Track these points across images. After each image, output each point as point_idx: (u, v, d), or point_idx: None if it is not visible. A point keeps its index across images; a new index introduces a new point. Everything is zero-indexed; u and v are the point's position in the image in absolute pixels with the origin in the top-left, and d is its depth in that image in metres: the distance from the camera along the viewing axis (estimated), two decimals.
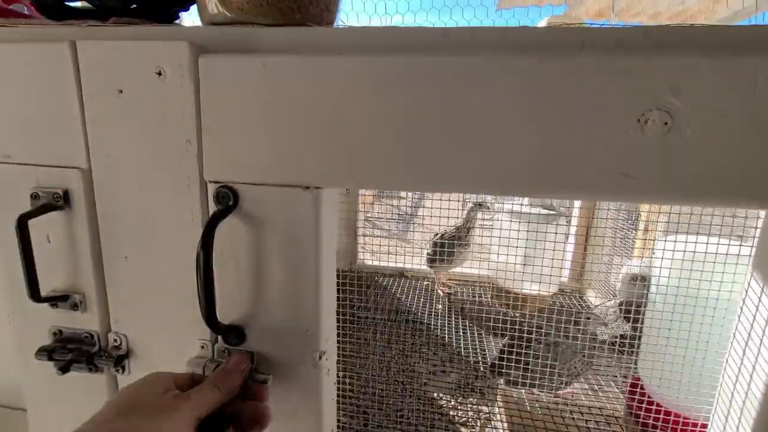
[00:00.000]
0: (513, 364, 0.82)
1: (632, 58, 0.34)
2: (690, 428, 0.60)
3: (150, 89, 0.41)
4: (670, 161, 0.35)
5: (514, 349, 0.83)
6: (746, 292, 0.41)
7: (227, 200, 0.41)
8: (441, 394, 1.12)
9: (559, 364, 0.82)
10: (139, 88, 0.41)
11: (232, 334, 0.45)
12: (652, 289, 0.69)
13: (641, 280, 1.03)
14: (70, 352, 0.47)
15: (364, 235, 1.72)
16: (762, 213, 0.40)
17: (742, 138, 0.34)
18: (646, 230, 1.15)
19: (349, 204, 1.40)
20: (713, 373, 0.45)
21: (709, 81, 0.33)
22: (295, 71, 0.38)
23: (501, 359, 0.86)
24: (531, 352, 0.81)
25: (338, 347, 0.52)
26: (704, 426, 0.56)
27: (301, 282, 0.43)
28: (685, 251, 0.59)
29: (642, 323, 0.71)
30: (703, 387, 0.55)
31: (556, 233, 1.15)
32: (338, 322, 0.51)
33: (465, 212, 1.28)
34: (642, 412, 0.69)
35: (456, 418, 1.06)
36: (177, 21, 0.53)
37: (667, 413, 0.63)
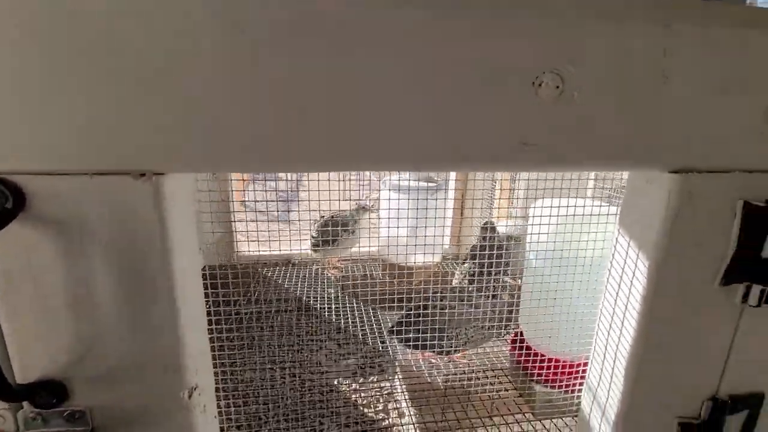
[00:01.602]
0: (411, 327, 0.83)
1: (526, 19, 0.31)
2: (568, 370, 0.68)
3: None
4: (563, 127, 0.34)
5: (411, 318, 0.85)
6: (614, 247, 0.45)
7: (2, 201, 0.27)
8: (341, 380, 1.08)
9: (449, 329, 0.85)
10: None
11: (44, 393, 0.31)
12: (529, 248, 0.75)
13: (514, 240, 1.14)
14: None
15: (237, 221, 1.55)
16: (625, 175, 0.43)
17: (623, 104, 0.35)
18: (509, 193, 1.27)
19: (219, 187, 1.22)
20: (588, 322, 0.49)
21: (599, 46, 0.33)
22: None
23: (399, 324, 0.88)
24: (423, 319, 0.83)
25: (220, 357, 0.41)
26: (579, 365, 0.63)
27: (147, 304, 0.31)
28: (555, 214, 0.64)
29: (522, 281, 0.77)
30: (579, 333, 0.61)
31: (436, 206, 1.19)
32: (218, 327, 0.40)
33: (352, 208, 1.24)
34: (527, 362, 0.75)
35: (359, 400, 1.04)
36: None
37: (547, 359, 0.70)
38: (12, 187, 0.27)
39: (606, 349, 0.47)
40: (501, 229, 1.25)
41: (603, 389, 0.47)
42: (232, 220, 1.38)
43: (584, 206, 0.64)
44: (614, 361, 0.45)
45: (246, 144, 0.30)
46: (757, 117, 0.37)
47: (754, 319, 0.44)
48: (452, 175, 1.40)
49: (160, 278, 0.30)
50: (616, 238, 0.44)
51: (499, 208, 1.44)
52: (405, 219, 1.18)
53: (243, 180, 1.74)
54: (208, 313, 0.89)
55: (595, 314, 0.50)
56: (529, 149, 0.34)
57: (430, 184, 1.22)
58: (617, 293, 0.44)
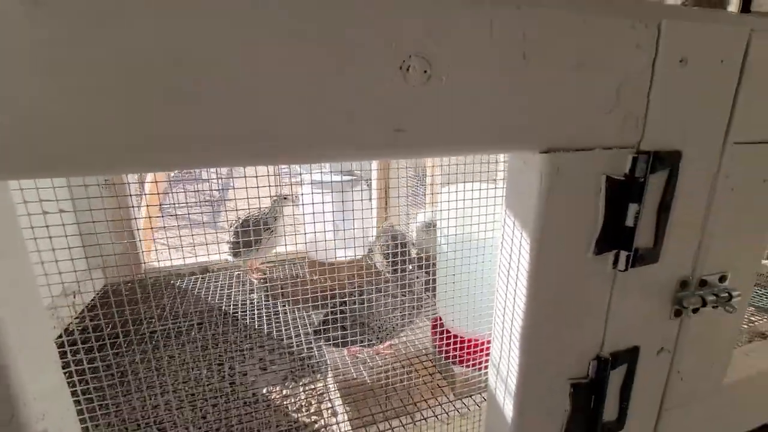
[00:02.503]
0: (334, 325, 0.81)
1: (388, 2, 0.30)
2: (480, 348, 0.71)
3: None
4: (434, 111, 0.34)
5: (336, 315, 0.83)
6: (503, 227, 0.47)
7: None
8: (271, 388, 1.04)
9: (371, 322, 0.85)
10: None
11: None
12: (439, 234, 0.77)
13: (433, 227, 1.16)
14: None
15: (154, 232, 1.40)
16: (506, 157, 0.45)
17: (491, 87, 0.35)
18: (432, 183, 1.30)
19: (115, 195, 1.09)
20: (491, 301, 0.50)
21: (463, 29, 0.33)
22: None
23: (324, 323, 0.85)
24: (347, 315, 0.82)
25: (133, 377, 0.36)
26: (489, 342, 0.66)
27: None
28: (459, 199, 0.66)
29: (436, 267, 0.79)
30: (485, 313, 0.64)
31: (360, 199, 1.18)
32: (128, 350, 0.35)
33: (271, 202, 1.18)
34: (446, 346, 0.77)
35: (290, 406, 1.00)
36: None
37: (462, 341, 0.72)
38: None
39: (503, 324, 0.49)
40: (420, 217, 1.28)
41: (504, 362, 0.49)
42: (137, 234, 1.25)
43: (488, 189, 0.67)
44: (510, 335, 0.47)
45: (81, 136, 0.25)
46: (610, 96, 0.40)
47: (625, 282, 0.48)
48: (374, 165, 1.39)
49: None
50: (504, 219, 0.46)
51: (425, 194, 1.48)
52: (327, 214, 1.15)
53: (156, 182, 1.58)
54: (114, 336, 0.79)
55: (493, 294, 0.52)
56: (404, 136, 0.33)
57: (349, 178, 1.21)
58: (508, 270, 0.46)
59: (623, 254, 0.46)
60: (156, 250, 1.54)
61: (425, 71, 0.32)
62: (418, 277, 0.81)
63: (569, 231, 0.43)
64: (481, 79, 0.34)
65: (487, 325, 0.69)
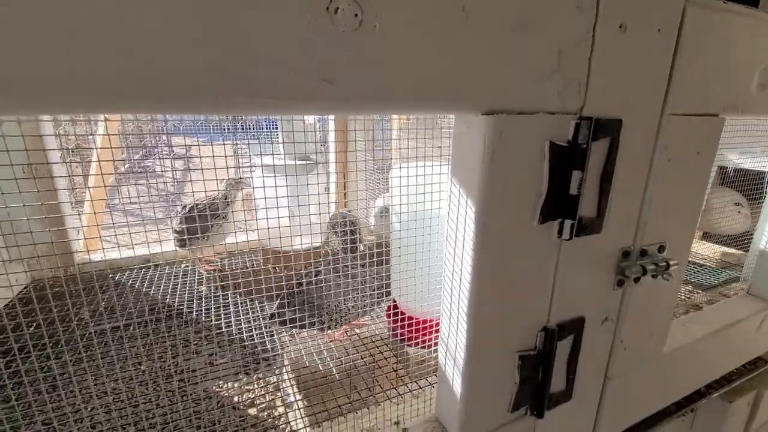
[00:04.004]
0: (291, 309, 0.78)
1: None
2: (433, 328, 0.70)
3: None
4: (366, 62, 0.31)
5: (290, 299, 0.79)
6: (449, 198, 0.45)
7: None
8: (222, 384, 0.98)
9: (326, 303, 0.83)
10: None
11: None
12: (393, 218, 0.75)
13: (387, 212, 1.15)
14: None
15: (79, 225, 1.29)
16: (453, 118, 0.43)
17: (428, 40, 0.33)
18: (389, 168, 1.28)
19: (41, 186, 0.98)
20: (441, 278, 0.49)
21: None
22: None
23: (280, 307, 0.82)
24: (304, 297, 0.78)
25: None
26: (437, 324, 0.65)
27: None
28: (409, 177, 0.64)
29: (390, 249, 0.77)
30: (437, 291, 0.62)
31: (316, 183, 1.14)
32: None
33: (223, 187, 1.11)
34: (401, 329, 0.76)
35: (242, 401, 0.96)
36: None
37: (417, 322, 0.71)
38: None
39: (451, 297, 0.47)
40: (379, 203, 1.26)
41: (452, 339, 0.48)
42: (67, 226, 1.14)
43: (438, 166, 0.65)
44: (458, 308, 0.46)
45: None
46: (552, 59, 0.40)
47: (569, 252, 0.48)
48: (330, 147, 1.35)
49: None
50: (450, 188, 0.45)
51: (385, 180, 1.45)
52: (281, 200, 1.11)
53: (102, 174, 1.46)
54: (38, 338, 0.71)
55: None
56: (332, 87, 0.30)
57: (305, 162, 1.16)
58: (455, 241, 0.45)
59: (567, 223, 0.46)
60: (102, 247, 1.43)
61: (356, 15, 0.30)
62: (371, 264, 0.79)
63: (513, 198, 0.42)
64: (418, 30, 0.32)
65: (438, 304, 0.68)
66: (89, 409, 0.79)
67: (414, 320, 0.72)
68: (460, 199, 0.43)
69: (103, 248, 1.40)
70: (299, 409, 0.82)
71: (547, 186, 0.43)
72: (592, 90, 0.43)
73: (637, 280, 0.55)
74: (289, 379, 0.98)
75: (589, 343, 0.55)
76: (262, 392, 0.99)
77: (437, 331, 0.71)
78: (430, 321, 0.72)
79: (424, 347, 0.73)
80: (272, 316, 0.83)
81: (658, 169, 0.52)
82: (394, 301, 0.83)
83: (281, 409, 0.94)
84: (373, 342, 0.82)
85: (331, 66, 0.30)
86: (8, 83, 0.22)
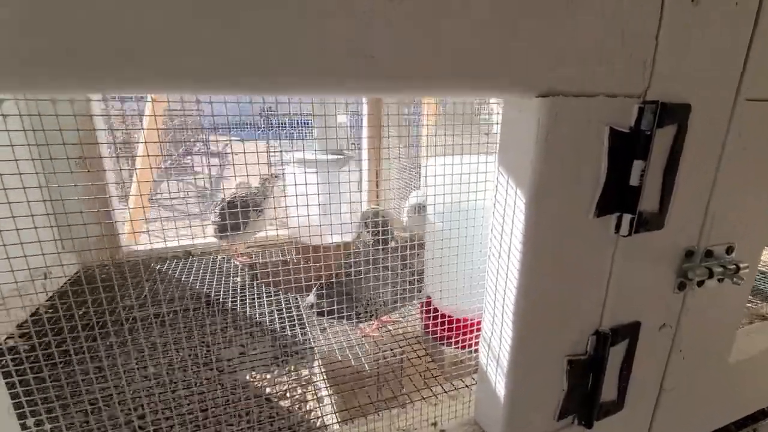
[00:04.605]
0: (329, 300, 0.77)
1: None
2: (470, 327, 0.67)
3: None
4: (410, 36, 0.29)
5: (329, 290, 0.79)
6: (495, 189, 0.42)
7: None
8: (254, 375, 1.00)
9: (362, 295, 0.82)
10: None
11: None
12: (429, 212, 0.73)
13: (423, 209, 1.12)
14: None
15: (143, 220, 1.35)
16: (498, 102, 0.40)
17: (477, 11, 0.31)
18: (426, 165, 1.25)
19: (89, 178, 1.03)
20: (483, 277, 0.46)
21: None
22: None
23: (319, 297, 0.81)
24: (342, 289, 0.77)
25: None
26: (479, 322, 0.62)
27: None
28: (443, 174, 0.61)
29: (425, 247, 0.75)
30: (476, 289, 0.60)
31: (348, 180, 1.13)
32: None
33: (259, 182, 1.14)
34: (436, 327, 0.73)
35: (274, 393, 0.96)
36: None
37: (452, 320, 0.68)
38: None
39: (495, 295, 0.45)
40: (412, 201, 1.24)
41: (495, 339, 0.45)
42: (113, 217, 1.19)
43: (477, 159, 0.62)
44: (503, 309, 0.43)
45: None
46: (615, 36, 0.36)
47: (627, 249, 0.44)
48: (364, 144, 1.35)
49: None
50: (497, 179, 0.42)
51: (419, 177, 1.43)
52: (312, 196, 1.11)
53: (150, 168, 1.53)
54: (87, 321, 0.74)
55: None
56: (375, 63, 0.28)
57: (338, 157, 1.16)
58: (501, 236, 0.42)
59: (626, 218, 0.42)
60: (149, 234, 1.49)
61: None
62: (403, 259, 0.77)
63: (568, 189, 0.39)
64: (467, 3, 0.30)
65: (479, 302, 0.65)
66: (131, 391, 0.82)
67: (450, 318, 0.70)
68: (508, 189, 0.40)
69: (149, 238, 1.46)
70: (332, 404, 0.82)
71: (606, 176, 0.40)
72: (658, 71, 0.39)
73: (701, 283, 0.50)
74: (320, 372, 0.97)
75: (644, 350, 0.50)
76: (294, 385, 1.00)
77: (476, 330, 0.68)
78: (468, 320, 0.69)
79: (460, 347, 0.70)
80: (311, 306, 0.83)
81: (730, 161, 0.47)
82: (428, 298, 0.81)
83: (312, 403, 0.94)
84: (406, 339, 0.80)
85: (373, 40, 0.28)
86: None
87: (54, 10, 0.21)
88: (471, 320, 0.68)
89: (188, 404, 0.84)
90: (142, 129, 1.54)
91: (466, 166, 0.62)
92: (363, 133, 1.35)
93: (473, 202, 0.61)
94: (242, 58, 0.25)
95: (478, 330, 0.67)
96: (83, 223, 0.79)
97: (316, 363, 1.00)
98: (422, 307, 0.84)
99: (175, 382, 0.88)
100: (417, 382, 0.70)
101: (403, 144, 1.31)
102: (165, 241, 1.30)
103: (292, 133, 1.38)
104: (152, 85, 0.25)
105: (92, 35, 0.22)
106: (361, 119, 1.36)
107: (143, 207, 1.31)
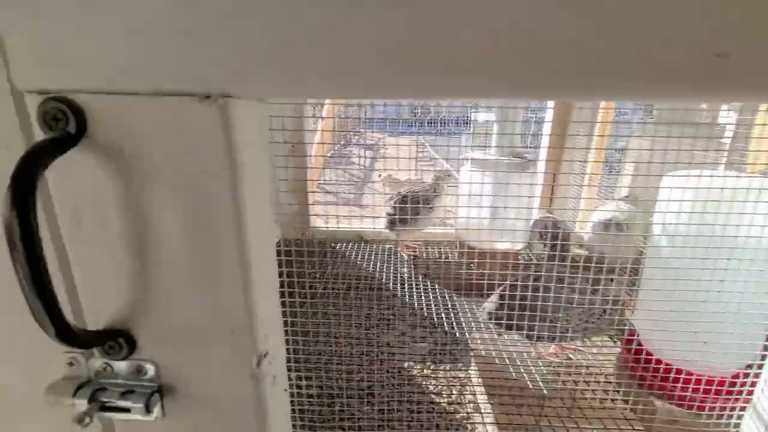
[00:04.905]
0: (511, 312, 0.72)
1: None
2: (706, 386, 0.53)
3: None
4: None
5: (510, 301, 0.74)
6: None
7: (62, 123, 0.24)
8: (412, 364, 1.03)
9: (547, 314, 0.74)
10: None
11: (113, 342, 0.29)
12: (657, 232, 0.61)
13: (616, 227, 0.97)
14: None
15: (316, 203, 1.55)
16: None
17: None
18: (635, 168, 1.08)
19: (295, 162, 1.22)
20: (744, 324, 0.36)
21: None
22: None
23: (500, 307, 0.77)
24: (522, 303, 0.72)
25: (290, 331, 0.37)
26: (722, 383, 0.49)
27: (214, 252, 0.27)
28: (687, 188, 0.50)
29: (640, 275, 0.63)
30: (727, 340, 0.47)
31: (529, 183, 1.06)
32: (287, 302, 0.36)
33: (431, 180, 1.17)
34: (643, 372, 0.62)
35: (429, 387, 0.98)
36: None
37: (670, 369, 0.56)
38: (75, 108, 0.24)
39: None
40: (601, 215, 1.08)
41: None
42: (308, 198, 1.39)
43: (738, 179, 0.49)
44: None
45: (321, 67, 0.24)
46: None
47: None
48: (544, 144, 1.24)
49: (228, 222, 0.26)
50: None
51: (589, 185, 1.27)
52: (487, 198, 1.07)
53: (321, 157, 1.76)
54: (281, 285, 0.88)
55: (758, 314, 0.37)
56: (727, 64, 0.23)
57: (520, 159, 1.09)
58: None
59: None
60: (319, 217, 1.71)
61: None
62: (608, 284, 0.67)
63: None
64: None
65: (724, 357, 0.52)
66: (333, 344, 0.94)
67: (667, 366, 0.58)
68: None
69: (327, 221, 1.66)
70: (489, 422, 0.78)
71: None
72: None
73: None
74: (477, 379, 0.95)
75: None
76: (449, 385, 1.00)
77: (720, 392, 0.54)
78: (698, 373, 0.56)
79: (685, 406, 0.57)
80: (490, 315, 0.81)
81: None
82: (632, 333, 0.68)
83: (469, 410, 0.92)
84: (593, 374, 0.71)
85: (727, 34, 0.23)
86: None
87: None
88: (702, 374, 0.55)
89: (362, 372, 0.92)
90: (320, 117, 1.75)
91: (719, 182, 0.50)
92: (545, 129, 1.25)
93: (740, 232, 0.48)
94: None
95: (716, 392, 0.53)
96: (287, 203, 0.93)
97: (472, 368, 0.98)
98: (627, 342, 0.73)
99: (351, 355, 0.98)
100: (606, 423, 0.61)
101: (598, 153, 1.16)
102: (338, 225, 1.46)
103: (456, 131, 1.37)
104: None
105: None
106: (545, 111, 1.26)
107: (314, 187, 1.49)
